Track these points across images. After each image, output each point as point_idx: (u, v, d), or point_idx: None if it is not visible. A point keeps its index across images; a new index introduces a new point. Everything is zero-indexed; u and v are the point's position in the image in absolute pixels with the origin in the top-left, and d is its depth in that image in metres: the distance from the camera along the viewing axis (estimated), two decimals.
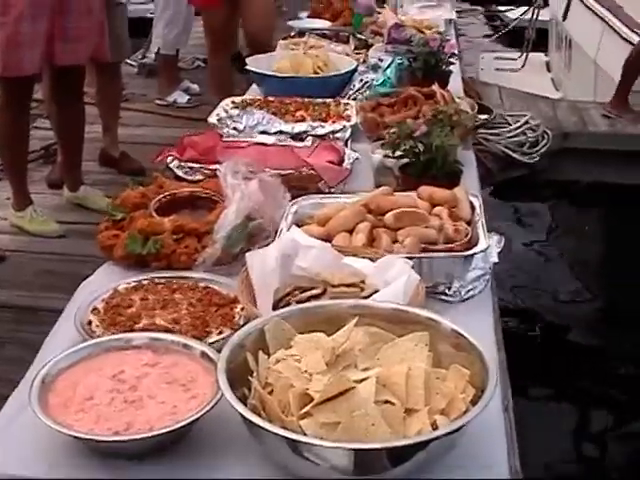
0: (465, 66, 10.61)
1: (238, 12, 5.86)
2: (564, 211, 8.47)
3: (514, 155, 6.44)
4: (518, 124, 6.55)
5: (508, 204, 8.33)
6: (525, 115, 6.73)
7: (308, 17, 4.74)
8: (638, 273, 7.05)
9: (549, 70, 11.90)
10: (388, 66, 3.51)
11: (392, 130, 2.54)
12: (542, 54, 12.34)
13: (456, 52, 3.60)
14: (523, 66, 11.66)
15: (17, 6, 4.58)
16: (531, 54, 11.85)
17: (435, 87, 3.10)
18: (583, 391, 5.86)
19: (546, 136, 6.70)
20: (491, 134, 6.06)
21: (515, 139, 6.50)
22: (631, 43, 8.14)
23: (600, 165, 7.24)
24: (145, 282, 2.15)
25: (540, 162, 6.68)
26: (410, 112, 2.89)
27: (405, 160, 2.51)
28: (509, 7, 14.58)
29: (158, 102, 7.41)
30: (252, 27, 5.65)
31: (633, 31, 8.23)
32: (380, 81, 3.40)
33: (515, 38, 12.46)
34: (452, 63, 3.53)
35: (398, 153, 2.51)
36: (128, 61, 7.47)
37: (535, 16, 11.49)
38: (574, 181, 7.52)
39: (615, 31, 8.54)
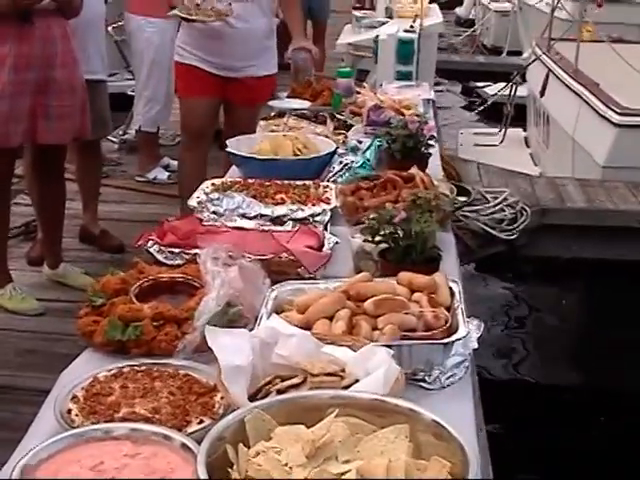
0: (444, 142, 10.77)
1: (219, 110, 5.66)
2: (544, 286, 8.50)
3: (493, 232, 6.51)
4: (497, 201, 6.63)
5: (487, 280, 8.36)
6: (504, 192, 6.82)
7: (288, 97, 4.77)
8: (619, 349, 7.08)
9: (528, 145, 12.04)
10: (367, 148, 3.55)
11: (371, 216, 2.56)
12: (521, 129, 12.49)
13: (435, 134, 3.63)
14: (502, 142, 11.79)
15: None
16: (510, 130, 12.00)
17: (414, 170, 3.13)
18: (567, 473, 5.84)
19: (525, 213, 6.77)
20: (470, 211, 6.13)
21: (494, 216, 6.57)
22: (608, 120, 8.26)
23: (579, 241, 7.30)
24: (125, 370, 2.14)
25: (519, 238, 6.75)
26: (389, 196, 2.91)
27: (384, 245, 2.53)
28: (487, 83, 14.76)
29: (138, 179, 7.43)
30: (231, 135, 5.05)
31: (610, 108, 8.34)
32: (359, 163, 3.43)
33: (494, 114, 12.61)
34: (431, 145, 3.56)
35: (377, 238, 2.52)
36: (109, 137, 7.50)
37: (513, 92, 11.63)
38: (553, 257, 7.55)
39: (592, 108, 8.65)
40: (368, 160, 3.47)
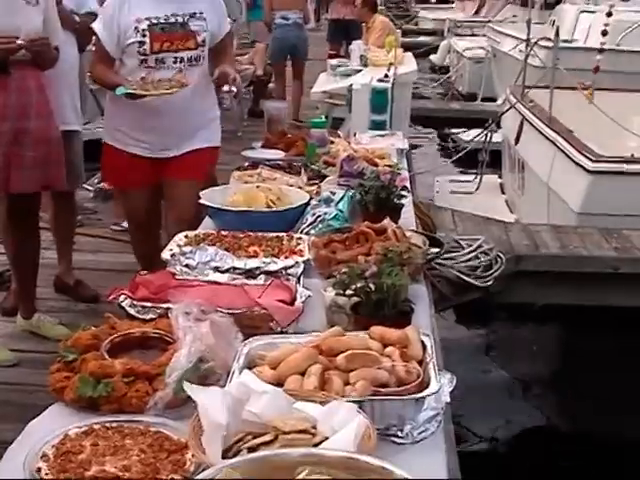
0: (420, 190, 10.83)
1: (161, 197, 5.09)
2: (519, 332, 8.52)
3: (468, 279, 6.51)
4: (471, 248, 6.65)
5: (463, 326, 8.37)
6: (478, 239, 6.84)
7: (262, 147, 4.80)
8: (594, 393, 7.09)
9: (503, 192, 12.11)
10: (340, 200, 3.56)
11: (343, 270, 2.57)
12: (496, 176, 12.58)
13: (407, 185, 3.66)
14: (478, 189, 11.85)
15: None
16: (485, 176, 12.08)
17: (386, 222, 3.15)
18: None
19: (499, 260, 6.79)
20: (445, 259, 6.13)
21: (469, 263, 6.58)
22: (582, 167, 8.33)
23: (554, 287, 7.33)
24: (96, 427, 2.14)
25: (494, 285, 6.76)
26: (362, 249, 2.93)
27: (356, 299, 2.53)
28: (461, 130, 14.87)
29: (114, 227, 7.42)
30: (173, 230, 4.01)
31: (584, 155, 8.42)
32: (333, 215, 3.45)
33: (469, 160, 12.70)
34: (404, 196, 3.58)
35: (349, 292, 2.53)
36: (84, 185, 7.49)
37: (488, 139, 11.72)
38: (529, 303, 7.58)
39: (566, 155, 8.73)
40: (341, 212, 3.49)
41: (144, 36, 4.54)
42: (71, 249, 6.17)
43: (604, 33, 14.93)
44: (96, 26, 4.71)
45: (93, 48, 5.08)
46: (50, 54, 4.84)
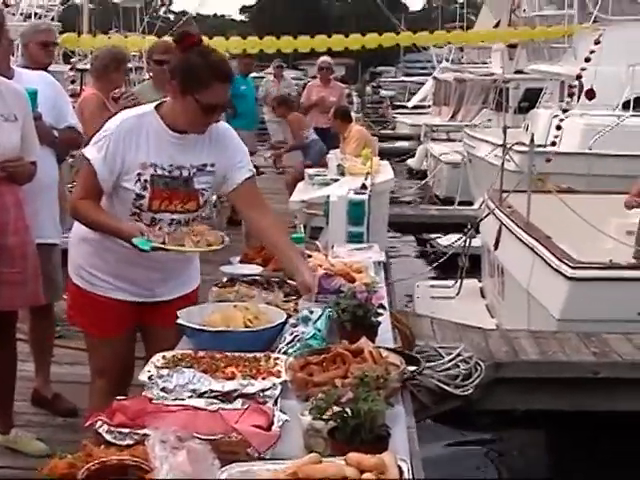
0: (400, 295, 10.86)
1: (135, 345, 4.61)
2: (501, 439, 8.49)
3: (448, 388, 6.53)
4: (451, 357, 6.68)
5: (444, 434, 8.33)
6: (457, 347, 6.87)
7: (240, 262, 4.82)
8: None
9: (484, 297, 12.18)
10: (318, 318, 3.58)
11: (319, 395, 2.58)
12: (476, 280, 12.66)
13: (384, 302, 3.69)
14: (458, 293, 11.91)
15: None
16: (466, 280, 12.15)
17: (363, 342, 3.17)
18: None
19: (479, 367, 6.82)
20: (424, 368, 6.14)
21: (448, 372, 6.60)
22: (562, 274, 8.41)
23: (534, 393, 7.36)
24: None
25: (474, 393, 6.77)
26: (339, 371, 2.94)
27: (333, 424, 2.54)
28: (438, 235, 15.01)
29: None
30: None
31: (563, 262, 8.50)
32: (310, 334, 3.46)
33: (449, 264, 12.79)
34: (380, 314, 3.61)
35: (326, 417, 2.54)
36: (64, 296, 7.48)
37: (467, 244, 11.83)
38: (509, 410, 7.59)
39: (546, 262, 8.81)
40: (319, 330, 3.50)
41: (144, 189, 4.04)
42: (49, 362, 6.15)
43: (558, 127, 15.31)
44: (93, 157, 4.05)
45: (69, 172, 4.84)
46: (27, 169, 4.87)
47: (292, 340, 3.47)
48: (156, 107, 4.10)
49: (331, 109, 12.48)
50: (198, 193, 4.14)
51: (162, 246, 3.91)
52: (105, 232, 4.10)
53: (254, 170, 4.30)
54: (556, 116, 16.62)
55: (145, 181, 4.02)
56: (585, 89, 16.90)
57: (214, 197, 4.60)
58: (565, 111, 16.92)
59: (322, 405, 2.53)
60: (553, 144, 15.83)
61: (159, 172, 4.03)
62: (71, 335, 7.44)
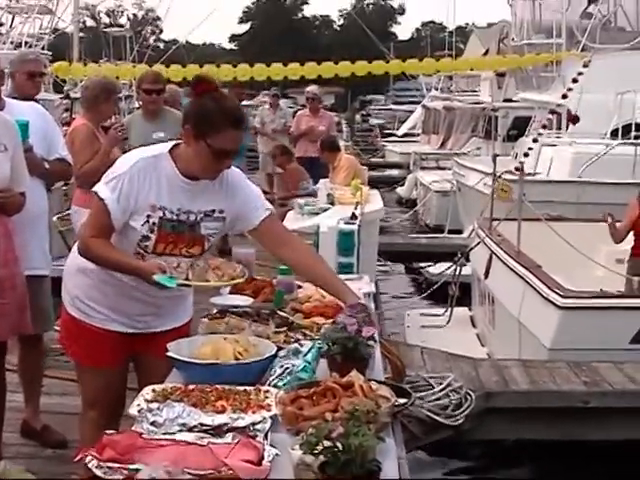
0: (390, 323, 10.85)
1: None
2: (492, 469, 8.48)
3: (438, 418, 6.53)
4: (441, 387, 6.68)
5: (434, 464, 8.31)
6: (447, 377, 6.87)
7: (230, 293, 4.81)
8: None
9: (474, 325, 12.19)
10: (309, 351, 3.58)
11: (309, 430, 2.57)
12: (466, 309, 12.68)
13: (375, 335, 3.68)
14: (449, 322, 11.92)
15: None
16: (456, 309, 12.16)
17: (354, 375, 3.16)
18: None
19: (469, 397, 6.82)
20: (415, 400, 6.13)
21: (438, 402, 6.60)
22: (552, 303, 8.43)
23: (524, 422, 7.37)
24: None
25: (465, 423, 6.77)
26: (329, 405, 2.93)
27: (324, 458, 2.53)
28: (429, 263, 15.03)
29: None
30: None
31: (553, 291, 8.52)
32: (301, 367, 3.46)
33: (439, 293, 12.81)
34: (371, 347, 3.60)
35: (316, 452, 2.53)
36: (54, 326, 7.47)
37: (458, 273, 11.85)
38: (500, 439, 7.59)
39: (536, 290, 8.83)
40: (309, 363, 3.50)
41: (151, 231, 4.03)
42: (39, 392, 6.12)
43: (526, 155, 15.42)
44: (107, 196, 4.00)
45: (79, 212, 4.64)
46: (16, 200, 4.87)
47: (282, 373, 3.46)
48: (171, 149, 4.07)
49: (320, 138, 12.52)
50: (204, 238, 4.13)
51: (187, 282, 3.93)
52: (121, 271, 4.08)
53: (271, 208, 4.27)
54: (544, 144, 16.72)
55: (153, 224, 4.02)
56: (570, 114, 17.04)
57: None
58: (539, 135, 17.10)
59: (313, 440, 2.52)
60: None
61: (167, 216, 4.02)
62: (61, 365, 7.42)
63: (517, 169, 12.73)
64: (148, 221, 4.02)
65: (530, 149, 16.53)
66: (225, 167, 4.02)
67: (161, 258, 4.03)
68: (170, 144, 4.10)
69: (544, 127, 17.93)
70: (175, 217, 4.04)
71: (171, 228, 4.04)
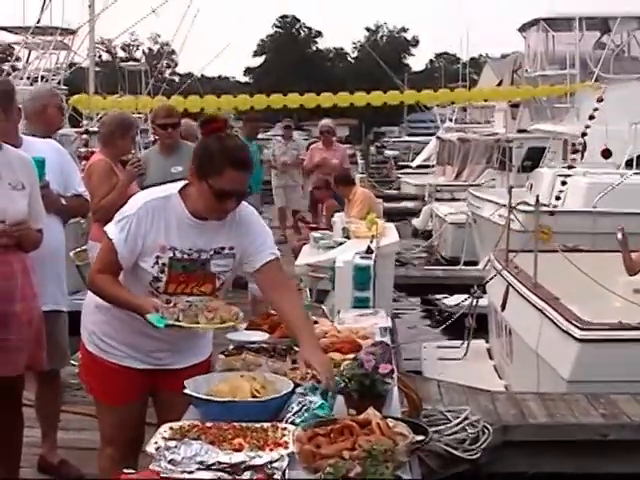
0: (407, 355, 10.81)
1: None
2: None
3: (456, 452, 6.50)
4: (458, 420, 6.66)
5: None
6: (465, 410, 6.84)
7: (246, 329, 4.80)
8: None
9: (491, 357, 12.13)
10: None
11: (327, 470, 2.57)
12: (483, 341, 12.62)
13: (392, 372, 3.68)
14: (466, 354, 11.86)
15: None
16: (473, 341, 12.10)
17: (371, 412, 3.16)
18: None
19: (486, 431, 6.79)
20: (432, 438, 6.12)
21: (456, 436, 6.58)
22: (571, 335, 8.38)
23: (542, 456, 7.32)
24: None
25: (482, 456, 6.74)
26: (346, 443, 2.92)
27: None
28: (445, 295, 14.99)
29: None
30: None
31: (571, 323, 8.48)
32: (318, 404, 3.45)
33: (455, 325, 12.76)
34: (387, 383, 3.60)
35: None
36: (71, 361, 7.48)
37: (474, 305, 11.81)
38: (518, 473, 7.54)
39: (554, 323, 8.79)
40: (326, 400, 3.50)
41: (162, 272, 4.05)
42: (56, 428, 6.13)
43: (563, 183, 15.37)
44: (115, 237, 4.05)
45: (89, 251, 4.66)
46: (33, 237, 4.92)
47: (300, 410, 3.45)
48: (182, 188, 4.07)
49: (333, 171, 12.53)
50: (215, 277, 4.13)
51: (176, 323, 3.89)
52: (122, 307, 4.10)
53: (277, 253, 4.23)
54: (560, 175, 16.68)
55: (163, 264, 4.04)
56: (601, 149, 17.01)
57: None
58: (570, 168, 17.04)
59: (330, 478, 2.52)
60: (557, 198, 15.91)
61: (178, 256, 4.04)
62: (78, 400, 7.43)
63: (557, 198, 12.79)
64: (157, 262, 4.04)
65: (567, 176, 16.41)
66: (230, 208, 4.00)
67: (172, 298, 4.02)
68: (181, 184, 4.11)
69: (575, 153, 17.94)
70: (186, 256, 4.05)
71: (182, 268, 4.05)
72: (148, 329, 4.02)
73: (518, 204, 12.36)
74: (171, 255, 4.03)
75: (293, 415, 3.45)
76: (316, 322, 4.86)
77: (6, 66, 30.77)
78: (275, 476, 2.89)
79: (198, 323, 3.92)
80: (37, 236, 4.97)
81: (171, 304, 3.95)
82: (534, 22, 23.69)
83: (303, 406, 3.47)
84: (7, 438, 5.25)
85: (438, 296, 15.41)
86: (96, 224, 7.13)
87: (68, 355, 6.13)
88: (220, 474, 2.87)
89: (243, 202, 4.11)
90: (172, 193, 4.07)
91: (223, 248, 4.11)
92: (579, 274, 9.55)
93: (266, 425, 3.33)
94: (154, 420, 4.45)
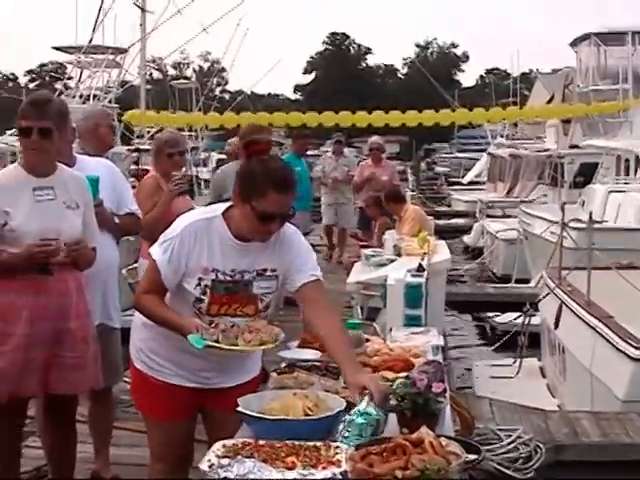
0: (458, 377, 10.75)
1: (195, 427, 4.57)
2: None
3: (508, 471, 6.46)
4: (510, 439, 6.61)
5: None
6: (517, 429, 6.80)
7: (298, 347, 4.80)
8: None
9: (544, 376, 12.02)
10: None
11: None
12: (535, 359, 12.51)
13: (445, 392, 3.67)
14: (518, 372, 11.77)
15: (15, 336, 4.72)
16: (525, 360, 12.00)
17: (424, 431, 3.14)
18: None
19: (539, 450, 6.74)
20: (484, 457, 6.07)
21: (508, 455, 6.53)
22: (625, 354, 8.29)
23: (596, 476, 7.23)
24: None
25: (534, 476, 6.68)
26: (399, 462, 2.92)
27: None
28: (496, 313, 14.89)
29: None
30: None
31: (626, 342, 8.39)
32: (360, 414, 3.44)
33: (507, 343, 12.68)
34: (440, 402, 3.59)
35: None
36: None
37: (527, 323, 11.73)
38: None
39: (608, 342, 8.70)
40: (378, 419, 3.49)
41: (204, 294, 4.07)
42: (108, 444, 6.17)
43: None
44: (159, 258, 4.09)
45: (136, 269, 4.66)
46: (88, 255, 4.98)
47: (343, 428, 3.44)
48: (226, 210, 4.09)
49: (383, 187, 12.50)
50: (257, 298, 4.14)
51: (215, 344, 3.91)
52: (166, 327, 4.12)
53: (319, 274, 4.20)
54: (612, 191, 16.55)
55: (205, 286, 4.06)
56: None
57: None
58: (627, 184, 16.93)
59: None
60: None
61: (220, 277, 4.05)
62: (130, 417, 7.46)
63: None
64: (200, 284, 4.06)
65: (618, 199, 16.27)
66: (273, 230, 4.01)
67: (215, 319, 4.04)
68: (225, 205, 4.13)
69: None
70: (229, 278, 4.06)
71: (224, 290, 4.07)
72: (192, 348, 4.01)
73: (570, 221, 12.26)
74: (213, 277, 4.05)
75: (345, 432, 3.44)
76: (368, 340, 4.86)
77: (59, 85, 31.20)
78: None
79: (237, 345, 3.93)
80: (91, 254, 5.03)
81: (213, 325, 3.97)
82: (585, 37, 23.60)
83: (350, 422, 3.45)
84: (61, 454, 5.32)
85: (489, 314, 15.33)
86: (144, 242, 7.21)
87: (121, 372, 6.17)
88: None
89: (286, 223, 4.12)
90: (216, 215, 4.09)
91: (265, 270, 4.12)
92: (634, 292, 9.44)
93: (319, 443, 3.33)
94: (203, 437, 4.47)
